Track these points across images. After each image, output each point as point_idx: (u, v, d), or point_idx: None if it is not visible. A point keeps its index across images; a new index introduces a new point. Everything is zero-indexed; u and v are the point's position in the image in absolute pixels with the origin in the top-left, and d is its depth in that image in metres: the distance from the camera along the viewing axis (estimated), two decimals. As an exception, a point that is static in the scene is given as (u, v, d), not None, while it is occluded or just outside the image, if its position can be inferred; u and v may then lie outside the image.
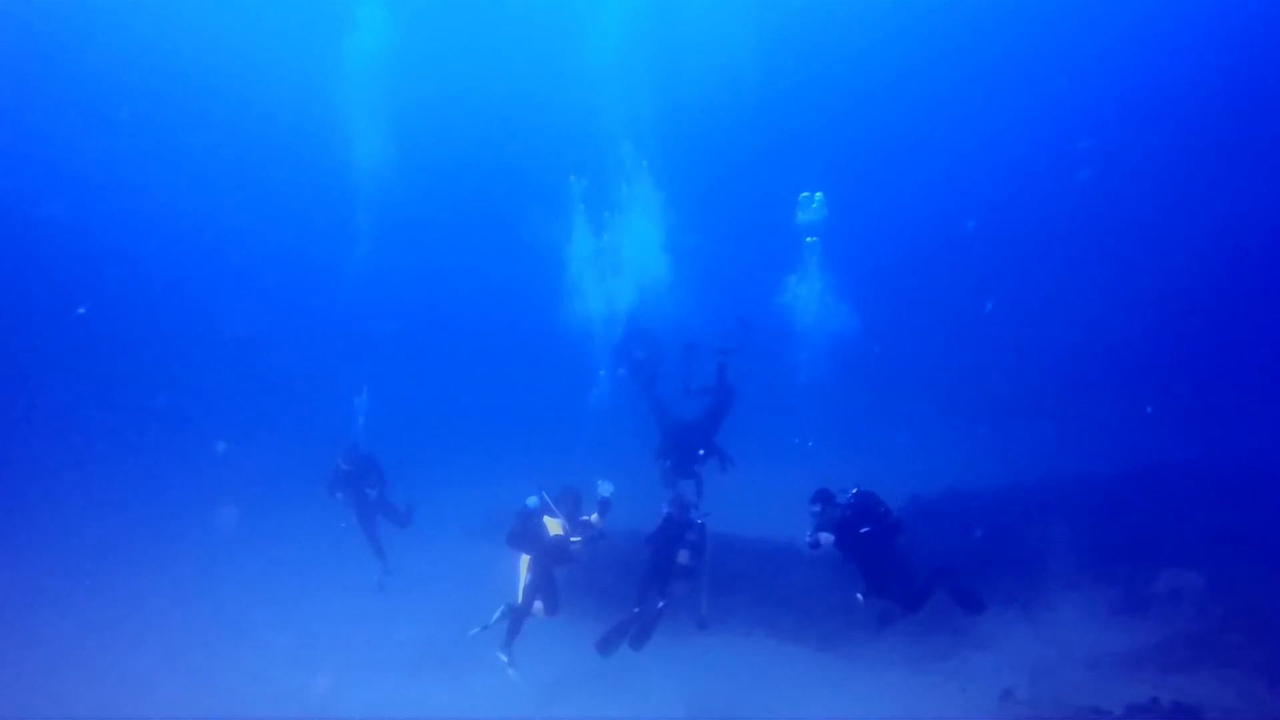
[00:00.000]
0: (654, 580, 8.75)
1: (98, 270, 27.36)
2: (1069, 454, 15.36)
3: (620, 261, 18.01)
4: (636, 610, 8.65)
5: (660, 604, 8.73)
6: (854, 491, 8.50)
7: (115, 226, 29.13)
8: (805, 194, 15.31)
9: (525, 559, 8.99)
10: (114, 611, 11.46)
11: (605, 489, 9.03)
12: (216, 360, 25.93)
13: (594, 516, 9.08)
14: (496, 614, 9.04)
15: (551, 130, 27.25)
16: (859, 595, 8.57)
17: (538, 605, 8.98)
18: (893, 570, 8.47)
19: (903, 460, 15.68)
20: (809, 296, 16.03)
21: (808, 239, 15.39)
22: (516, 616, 8.95)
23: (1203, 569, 10.55)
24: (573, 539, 8.85)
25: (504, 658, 8.88)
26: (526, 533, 8.85)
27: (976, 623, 10.13)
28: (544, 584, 8.96)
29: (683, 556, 8.63)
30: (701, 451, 11.13)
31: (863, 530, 8.23)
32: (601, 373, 14.37)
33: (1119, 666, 9.11)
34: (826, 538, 8.26)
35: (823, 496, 8.54)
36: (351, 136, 25.18)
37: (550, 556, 8.92)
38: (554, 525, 8.87)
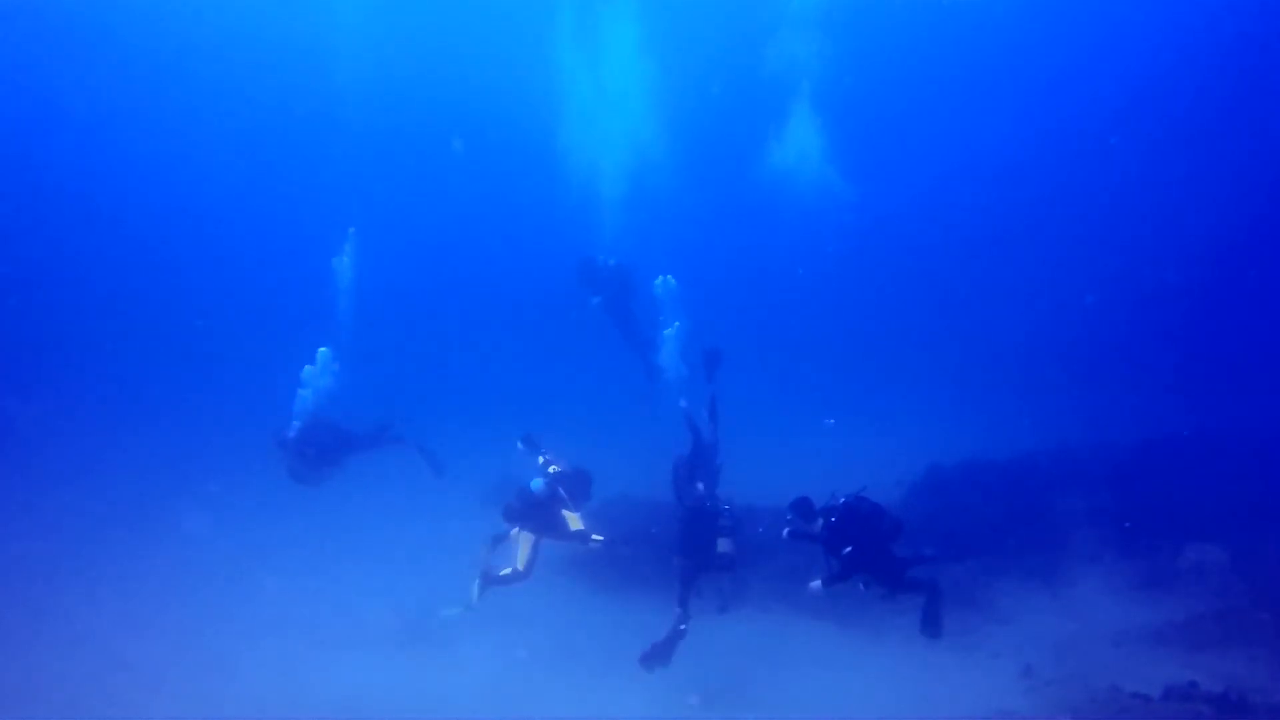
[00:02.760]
0: (696, 574, 8.29)
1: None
2: (1089, 423, 15.17)
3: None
4: (683, 628, 8.14)
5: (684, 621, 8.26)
6: (841, 500, 7.74)
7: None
8: None
9: (526, 536, 8.75)
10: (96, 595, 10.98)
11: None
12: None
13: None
14: (475, 589, 8.80)
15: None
16: (816, 583, 7.77)
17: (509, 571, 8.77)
18: (889, 573, 7.78)
19: (921, 429, 15.47)
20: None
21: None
22: (506, 581, 8.75)
23: (1227, 543, 10.45)
24: (594, 537, 8.48)
25: (474, 595, 8.69)
26: (532, 515, 8.58)
27: (999, 598, 10.06)
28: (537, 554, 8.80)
29: (723, 545, 8.17)
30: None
31: (845, 550, 7.53)
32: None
33: (1145, 644, 8.99)
34: (815, 586, 7.70)
35: (800, 506, 7.81)
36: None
37: (557, 538, 8.67)
38: (573, 519, 8.52)
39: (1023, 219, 25.48)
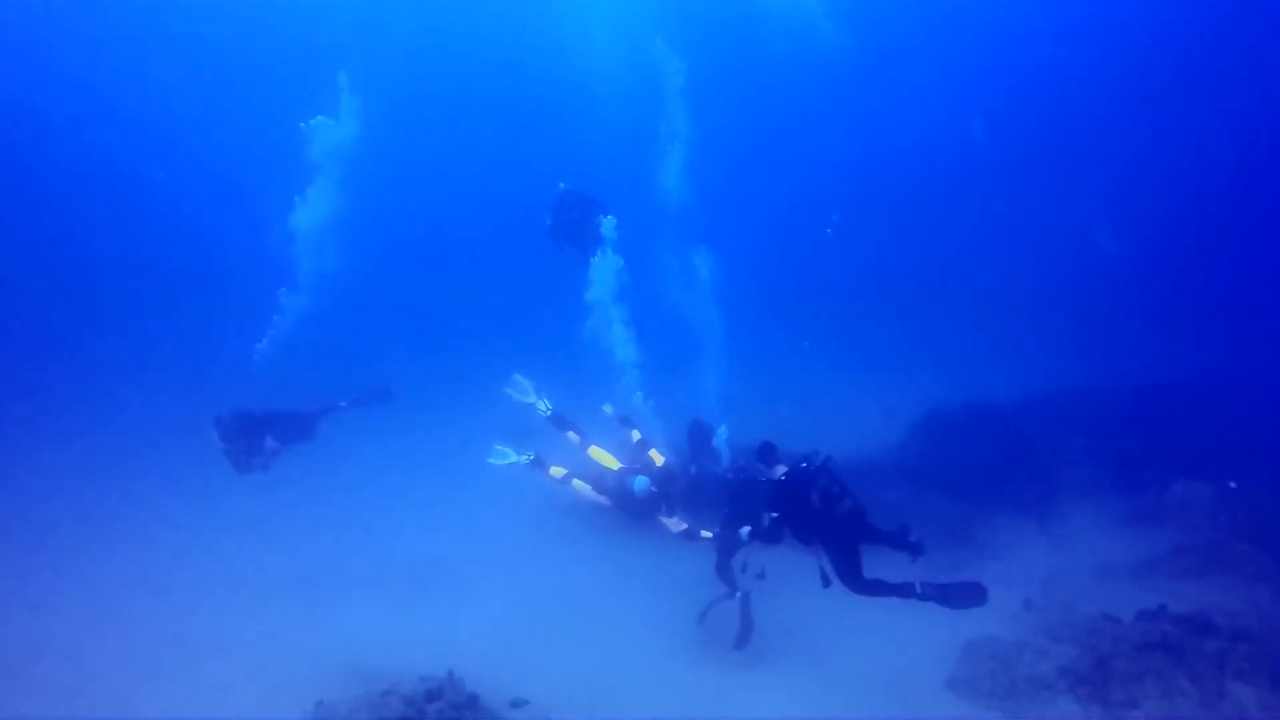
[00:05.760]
0: (738, 547, 8.14)
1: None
2: (1084, 365, 15.47)
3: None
4: (739, 594, 8.16)
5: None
6: (804, 465, 7.05)
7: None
8: None
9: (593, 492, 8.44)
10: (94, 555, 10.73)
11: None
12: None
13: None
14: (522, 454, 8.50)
15: None
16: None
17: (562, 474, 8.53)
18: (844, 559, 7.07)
19: (922, 372, 15.78)
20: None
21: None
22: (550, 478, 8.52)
23: (1213, 480, 10.87)
24: (704, 534, 8.21)
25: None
26: (623, 504, 8.32)
27: (994, 534, 10.55)
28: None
29: (769, 518, 7.80)
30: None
31: (773, 515, 7.08)
32: None
33: (1129, 574, 9.53)
34: (744, 532, 7.47)
35: (764, 452, 7.27)
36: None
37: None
38: (672, 524, 8.21)
39: (1031, 124, 23.90)
